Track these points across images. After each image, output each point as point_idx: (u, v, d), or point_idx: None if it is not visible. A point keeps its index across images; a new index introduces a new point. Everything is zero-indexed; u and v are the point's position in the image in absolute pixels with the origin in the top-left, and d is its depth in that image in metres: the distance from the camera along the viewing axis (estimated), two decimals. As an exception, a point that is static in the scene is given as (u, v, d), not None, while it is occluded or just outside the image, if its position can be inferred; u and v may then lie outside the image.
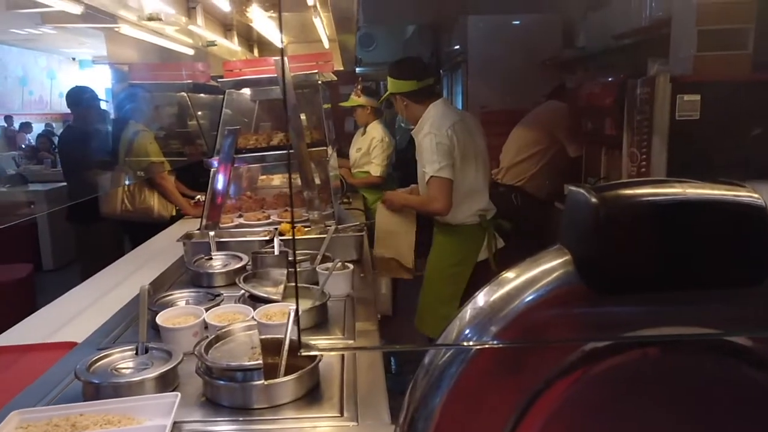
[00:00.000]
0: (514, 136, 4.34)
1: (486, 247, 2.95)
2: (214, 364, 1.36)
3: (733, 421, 0.58)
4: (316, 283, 2.00)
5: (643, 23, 3.29)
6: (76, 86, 4.24)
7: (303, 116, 3.44)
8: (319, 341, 1.71)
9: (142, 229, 3.69)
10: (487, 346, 0.56)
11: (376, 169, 4.40)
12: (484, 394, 0.57)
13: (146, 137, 3.81)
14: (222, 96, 2.92)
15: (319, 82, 2.99)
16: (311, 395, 1.37)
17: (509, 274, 0.61)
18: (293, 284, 2.00)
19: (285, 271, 2.05)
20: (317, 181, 3.14)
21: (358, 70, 7.77)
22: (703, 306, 0.56)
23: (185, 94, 3.98)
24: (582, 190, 0.57)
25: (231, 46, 3.87)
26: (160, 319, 1.65)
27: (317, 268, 2.11)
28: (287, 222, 2.75)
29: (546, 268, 0.59)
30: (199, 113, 4.15)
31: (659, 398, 0.57)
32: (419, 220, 3.14)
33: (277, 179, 4.47)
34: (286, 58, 2.75)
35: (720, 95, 2.61)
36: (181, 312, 1.74)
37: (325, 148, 2.89)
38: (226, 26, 3.79)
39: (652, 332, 0.56)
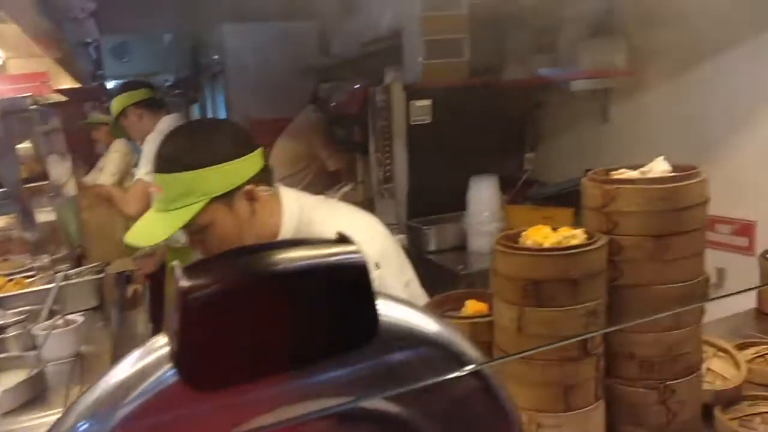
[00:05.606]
0: (279, 147, 4.28)
1: None
2: None
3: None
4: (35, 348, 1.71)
5: (381, 32, 3.43)
6: None
7: (24, 146, 2.98)
8: (29, 422, 1.44)
9: None
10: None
11: (105, 178, 3.77)
12: None
13: None
14: None
15: (34, 106, 2.59)
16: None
17: (112, 375, 0.51)
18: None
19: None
20: (48, 218, 2.74)
21: (110, 84, 7.06)
22: (324, 377, 0.51)
23: None
24: (177, 269, 0.49)
25: None
26: None
27: (33, 330, 1.80)
28: (3, 275, 2.33)
29: (146, 365, 0.50)
30: None
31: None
32: None
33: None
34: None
35: (446, 99, 2.83)
36: None
37: (47, 182, 2.51)
38: None
39: (273, 418, 0.50)
